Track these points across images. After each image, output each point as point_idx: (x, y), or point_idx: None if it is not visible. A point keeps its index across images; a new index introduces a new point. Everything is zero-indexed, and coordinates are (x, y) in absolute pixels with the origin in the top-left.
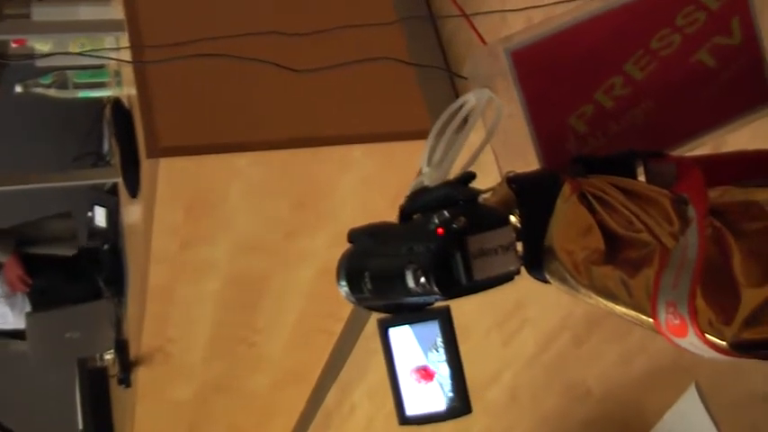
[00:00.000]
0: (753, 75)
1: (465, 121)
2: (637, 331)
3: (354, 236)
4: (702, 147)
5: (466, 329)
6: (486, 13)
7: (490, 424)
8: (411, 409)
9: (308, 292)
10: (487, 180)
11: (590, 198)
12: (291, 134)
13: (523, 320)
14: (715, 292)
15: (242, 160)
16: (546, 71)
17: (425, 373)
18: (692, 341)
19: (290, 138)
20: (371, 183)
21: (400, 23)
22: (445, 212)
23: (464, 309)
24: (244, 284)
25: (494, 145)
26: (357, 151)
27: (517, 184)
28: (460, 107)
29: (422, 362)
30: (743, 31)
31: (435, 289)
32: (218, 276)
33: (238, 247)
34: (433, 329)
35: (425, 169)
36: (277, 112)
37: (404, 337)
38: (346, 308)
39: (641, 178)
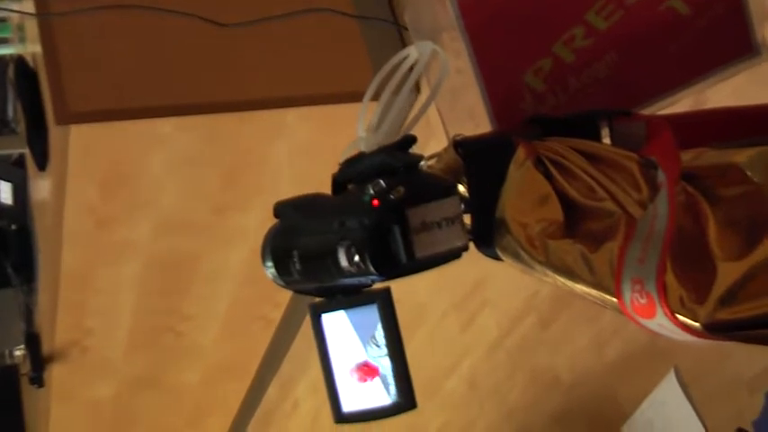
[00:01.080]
0: (731, 23)
1: (406, 78)
2: (610, 312)
3: (281, 210)
4: (679, 105)
5: (419, 312)
6: None
7: (449, 419)
8: (348, 405)
9: (241, 274)
10: (432, 145)
11: (547, 163)
12: (218, 97)
13: (484, 301)
14: (687, 267)
15: (163, 126)
16: (498, 21)
17: (367, 369)
18: (660, 322)
19: (216, 101)
20: (310, 151)
21: None
22: (381, 181)
23: (417, 288)
24: (169, 267)
25: (439, 105)
26: (292, 115)
27: (465, 148)
28: (400, 63)
29: (361, 355)
30: None
31: (371, 268)
32: (139, 258)
33: (162, 225)
34: (371, 314)
35: (361, 134)
36: (201, 72)
37: (339, 325)
38: (285, 292)
39: (606, 141)
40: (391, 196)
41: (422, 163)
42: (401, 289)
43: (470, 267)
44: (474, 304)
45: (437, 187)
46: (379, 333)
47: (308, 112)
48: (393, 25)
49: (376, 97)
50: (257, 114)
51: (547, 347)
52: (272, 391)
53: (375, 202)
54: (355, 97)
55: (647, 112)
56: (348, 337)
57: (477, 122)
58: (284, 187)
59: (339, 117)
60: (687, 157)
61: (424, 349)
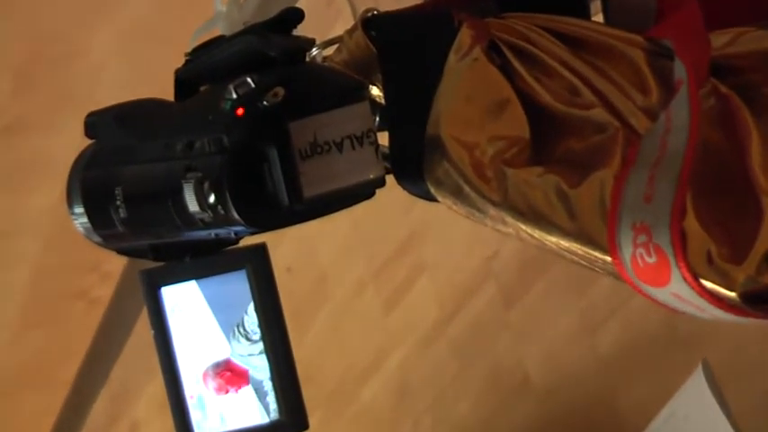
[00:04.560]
0: None
1: None
2: (605, 278)
3: (97, 125)
4: None
5: (321, 285)
6: None
7: None
8: (204, 428)
9: (43, 229)
10: (338, 28)
11: (506, 52)
12: None
13: (417, 266)
14: (718, 207)
15: None
16: None
17: (231, 374)
18: (677, 291)
19: None
20: (144, 34)
21: None
22: (249, 79)
23: (316, 248)
24: None
25: None
26: None
27: (380, 29)
28: None
29: (222, 352)
30: None
31: (234, 215)
32: None
33: None
34: (238, 288)
35: (219, 6)
36: None
37: (188, 304)
38: (114, 257)
39: (597, 18)
40: (264, 102)
41: (313, 52)
42: (289, 249)
43: (396, 215)
44: (403, 271)
45: (336, 88)
46: (251, 317)
47: None
48: None
49: None
50: None
51: (512, 335)
52: (99, 407)
53: (239, 110)
54: None
55: None
56: (202, 322)
57: None
58: (104, 92)
59: None
60: (720, 40)
61: (328, 340)
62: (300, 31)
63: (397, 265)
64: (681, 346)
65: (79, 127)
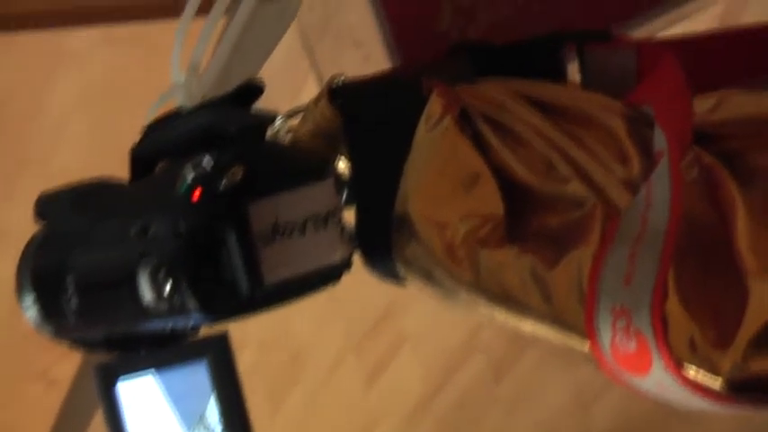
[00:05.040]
0: None
1: None
2: None
3: (47, 207)
4: (688, 22)
5: (296, 360)
6: None
7: None
8: None
9: (4, 305)
10: (304, 96)
11: (478, 122)
12: None
13: (400, 337)
14: (702, 288)
15: None
16: None
17: None
18: (659, 379)
19: None
20: (101, 100)
21: None
22: (207, 158)
23: (290, 319)
24: None
25: (304, 30)
26: (78, 39)
27: (346, 98)
28: None
29: None
30: None
31: (192, 304)
32: None
33: None
34: (198, 379)
35: (177, 77)
36: None
37: (145, 397)
38: None
39: (574, 80)
40: (222, 182)
41: (276, 124)
42: (262, 322)
43: (375, 282)
44: (383, 343)
45: (297, 166)
46: (212, 410)
47: (101, 34)
48: None
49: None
50: (24, 38)
51: (502, 409)
52: None
53: (196, 192)
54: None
55: (637, 33)
56: (161, 417)
57: (367, 54)
58: (64, 155)
59: (150, 44)
60: (703, 105)
61: (305, 420)
62: (268, 90)
63: (377, 336)
64: (680, 420)
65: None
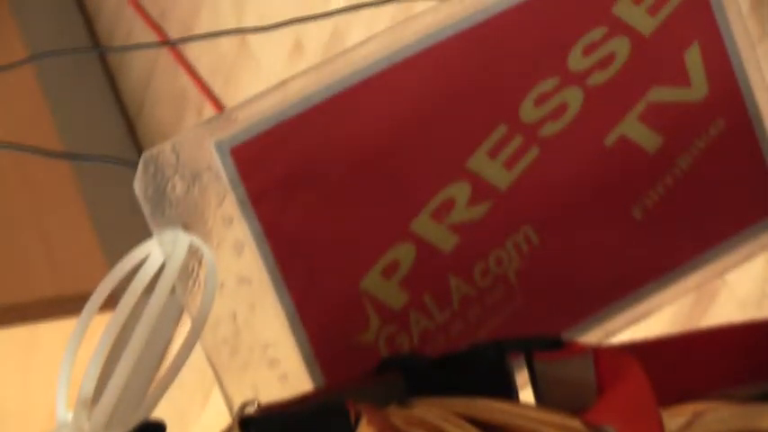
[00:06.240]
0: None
1: (147, 300)
2: None
3: None
4: (652, 322)
5: None
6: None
7: None
8: None
9: None
10: (211, 426)
11: None
12: None
13: None
14: None
15: None
16: (313, 184)
17: None
18: None
19: None
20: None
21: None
22: None
23: None
24: None
25: (209, 350)
26: None
27: (260, 429)
28: (136, 269)
29: None
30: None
31: None
32: None
33: None
34: None
35: (63, 414)
36: None
37: None
38: None
39: (525, 394)
40: None
41: None
42: None
43: None
44: None
45: None
46: None
47: None
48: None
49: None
50: None
51: None
52: None
53: None
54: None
55: (593, 337)
56: None
57: (284, 374)
58: None
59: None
60: (675, 423)
61: None
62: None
63: None
64: None
65: None
